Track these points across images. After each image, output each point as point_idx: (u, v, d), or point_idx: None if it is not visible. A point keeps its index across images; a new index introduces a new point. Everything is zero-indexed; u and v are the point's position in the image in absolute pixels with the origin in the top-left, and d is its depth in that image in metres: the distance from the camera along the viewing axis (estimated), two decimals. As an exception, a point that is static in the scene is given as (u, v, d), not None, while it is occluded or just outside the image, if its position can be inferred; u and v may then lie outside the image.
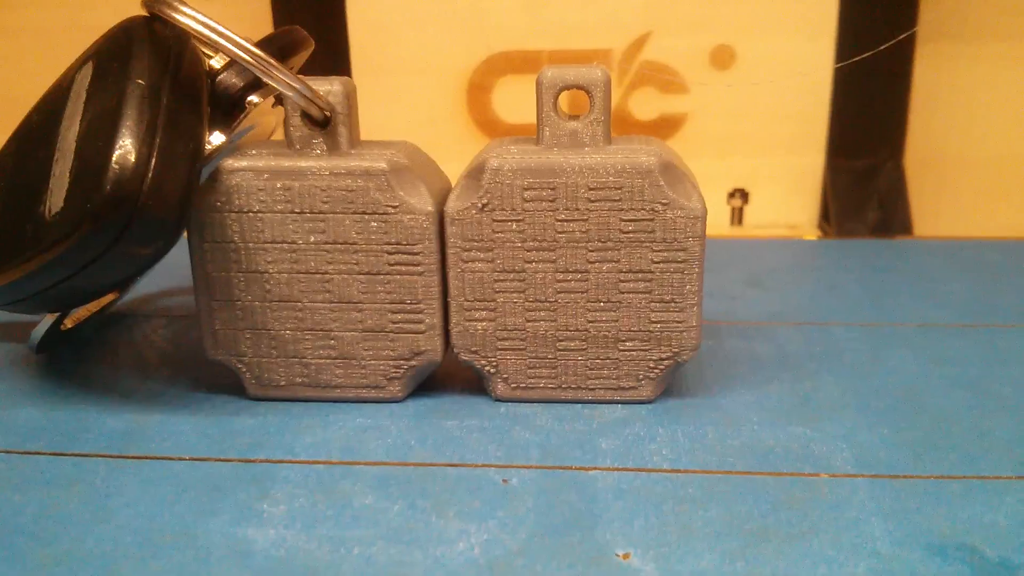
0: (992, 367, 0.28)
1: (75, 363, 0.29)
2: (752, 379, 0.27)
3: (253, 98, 0.26)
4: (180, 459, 0.24)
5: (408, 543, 0.20)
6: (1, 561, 0.20)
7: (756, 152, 0.47)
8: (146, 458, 0.24)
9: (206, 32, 0.23)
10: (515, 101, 0.48)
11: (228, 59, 0.26)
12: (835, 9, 0.45)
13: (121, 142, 0.22)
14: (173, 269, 0.32)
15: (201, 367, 0.29)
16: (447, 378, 0.28)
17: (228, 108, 0.26)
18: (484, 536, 0.20)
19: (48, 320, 0.28)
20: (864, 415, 0.25)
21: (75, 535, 0.21)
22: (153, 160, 0.22)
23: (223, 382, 0.27)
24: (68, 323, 0.30)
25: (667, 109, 0.47)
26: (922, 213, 0.47)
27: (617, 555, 0.20)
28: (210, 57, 0.26)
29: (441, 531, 0.21)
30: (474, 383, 0.27)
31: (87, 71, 0.25)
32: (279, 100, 0.26)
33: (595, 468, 0.23)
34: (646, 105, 0.47)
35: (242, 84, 0.26)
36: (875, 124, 0.47)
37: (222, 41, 0.23)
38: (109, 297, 0.32)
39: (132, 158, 0.22)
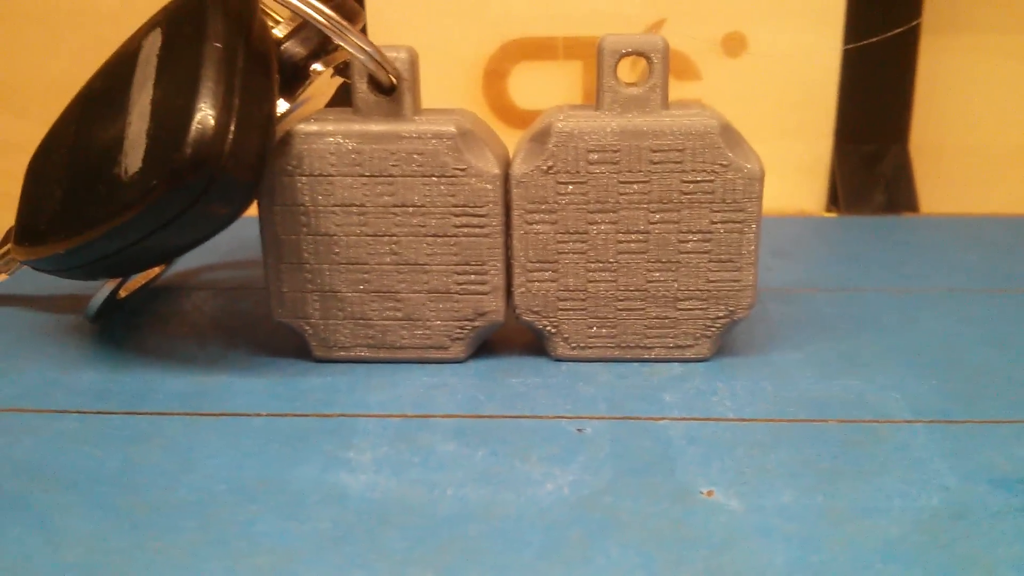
0: (1019, 326, 0.29)
1: (129, 331, 0.30)
2: (797, 339, 0.28)
3: (317, 66, 0.26)
4: (256, 415, 0.24)
5: (497, 484, 0.21)
6: (93, 509, 0.20)
7: (766, 137, 0.48)
8: (221, 415, 0.24)
9: (282, -3, 0.24)
10: (531, 87, 0.49)
11: (291, 28, 0.26)
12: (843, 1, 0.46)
13: (201, 103, 0.23)
14: (213, 245, 0.33)
15: (259, 333, 0.29)
16: (504, 340, 0.28)
17: (290, 77, 0.26)
18: (570, 477, 0.21)
19: (107, 288, 0.29)
20: (909, 369, 0.26)
21: (164, 484, 0.21)
22: (233, 122, 0.23)
23: (284, 346, 0.28)
24: (122, 293, 0.30)
25: (679, 95, 0.48)
26: (927, 195, 0.48)
27: (701, 492, 0.21)
28: (274, 26, 0.26)
29: (527, 474, 0.21)
30: (531, 344, 0.28)
31: (156, 37, 0.25)
32: (338, 70, 0.27)
33: (664, 418, 0.24)
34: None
35: (305, 53, 0.26)
36: (881, 110, 0.48)
37: (299, 3, 0.24)
38: (156, 269, 0.33)
39: (212, 119, 0.23)
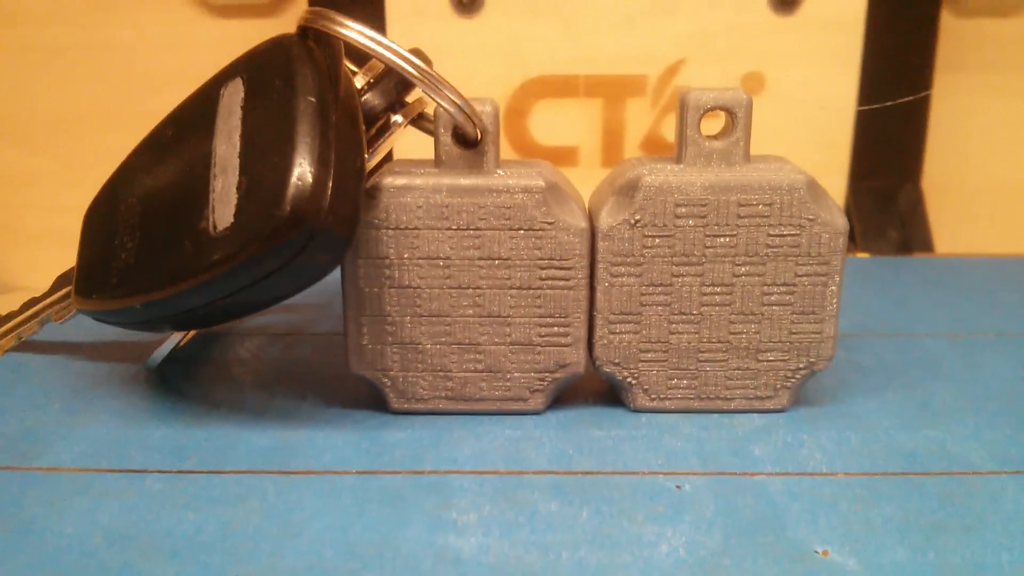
0: (1077, 373, 0.30)
1: (191, 382, 0.29)
2: (867, 387, 0.29)
3: (397, 118, 0.26)
4: (347, 472, 0.24)
5: (612, 547, 0.21)
6: (202, 577, 0.20)
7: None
8: (311, 473, 0.24)
9: (373, 46, 0.24)
10: (552, 125, 0.49)
11: (369, 78, 0.26)
12: (860, 41, 0.47)
13: (299, 159, 0.22)
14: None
15: (327, 383, 0.29)
16: (577, 390, 0.28)
17: (368, 127, 0.26)
18: (683, 539, 0.21)
19: (174, 339, 0.28)
20: (983, 416, 0.27)
21: (270, 550, 0.21)
22: (330, 177, 0.23)
23: (356, 397, 0.28)
24: (182, 342, 0.30)
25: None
26: (940, 233, 0.49)
27: (817, 552, 0.21)
28: (352, 76, 0.26)
29: (638, 535, 0.21)
30: (604, 394, 0.28)
31: (236, 87, 0.25)
32: (414, 121, 0.27)
33: (759, 473, 0.24)
34: (679, 129, 0.49)
35: (384, 104, 0.26)
36: (895, 148, 0.49)
37: (389, 55, 0.24)
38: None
39: (311, 175, 0.22)
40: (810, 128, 0.49)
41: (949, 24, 0.49)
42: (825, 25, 0.47)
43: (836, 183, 0.50)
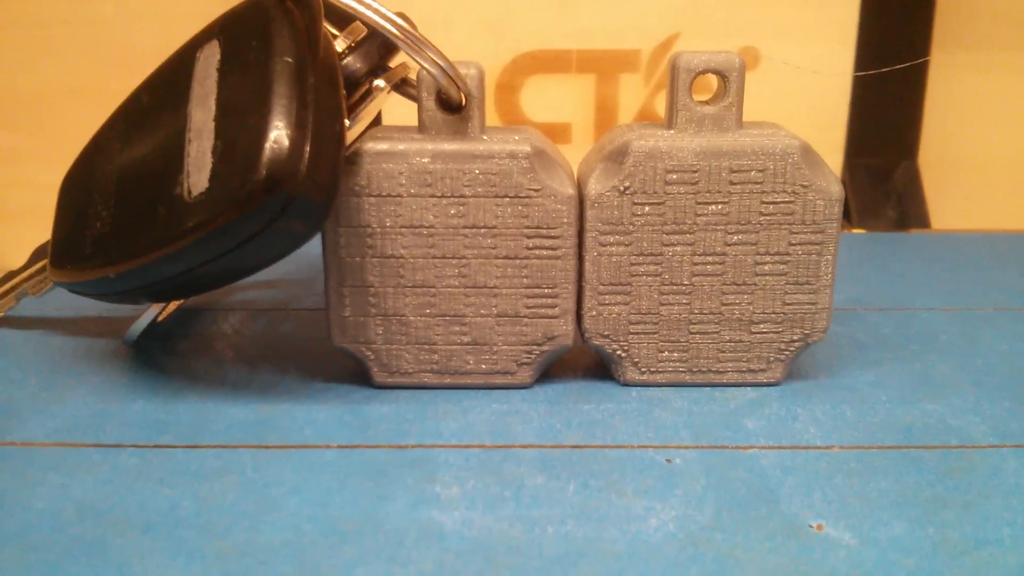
0: (1077, 347, 0.29)
1: (171, 356, 0.28)
2: (864, 360, 0.28)
3: (379, 83, 0.25)
4: (328, 447, 0.23)
5: (599, 520, 0.20)
6: (177, 555, 0.19)
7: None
8: (291, 447, 0.23)
9: (355, 5, 0.23)
10: (543, 100, 0.48)
11: (350, 42, 0.25)
12: (856, 17, 0.47)
13: (275, 121, 0.22)
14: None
15: (309, 357, 0.28)
16: (566, 363, 0.27)
17: (348, 93, 0.25)
18: (672, 512, 0.20)
19: (151, 312, 0.27)
20: (981, 390, 0.26)
21: (248, 525, 0.20)
22: (308, 141, 0.22)
23: (339, 371, 0.27)
24: (160, 317, 0.29)
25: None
26: (936, 211, 0.49)
27: (811, 526, 0.20)
28: (333, 39, 0.25)
29: (627, 509, 0.21)
30: (594, 368, 0.27)
31: (212, 50, 0.24)
32: (397, 87, 0.26)
33: (752, 447, 0.23)
34: (673, 105, 0.48)
35: (365, 68, 0.25)
36: (891, 126, 0.48)
37: (371, 15, 0.23)
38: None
39: (287, 138, 0.21)
40: (806, 104, 0.48)
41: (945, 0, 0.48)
42: (821, -1, 0.47)
43: (832, 160, 0.49)
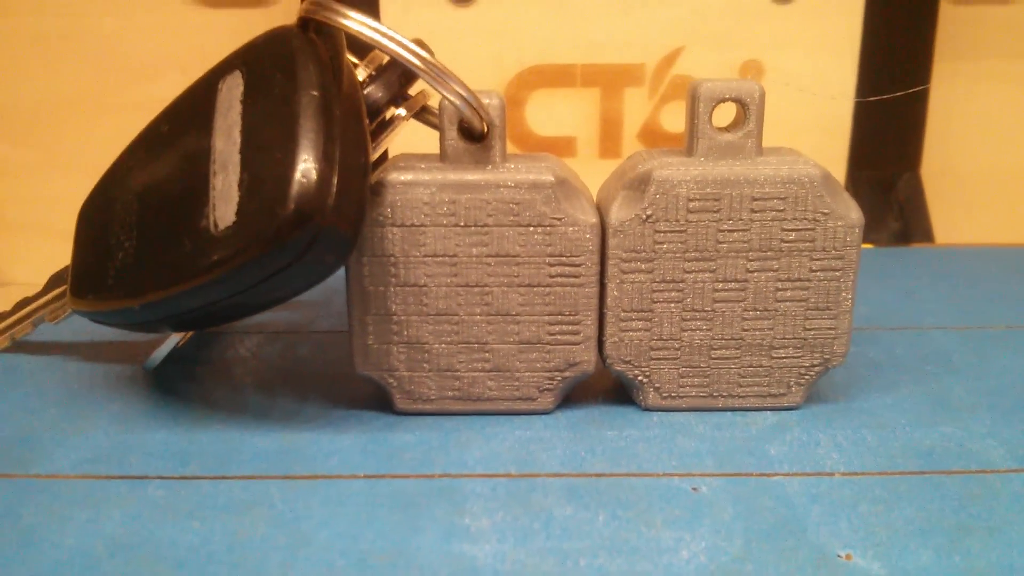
0: (1088, 366, 0.29)
1: (191, 382, 0.28)
2: (880, 382, 0.28)
3: (401, 111, 0.25)
4: (355, 477, 0.23)
5: (631, 553, 0.20)
6: (210, 589, 0.19)
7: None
8: (318, 477, 0.23)
9: (376, 37, 0.23)
10: (548, 114, 0.48)
11: (371, 71, 0.25)
12: (859, 29, 0.47)
13: (303, 155, 0.22)
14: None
15: (330, 383, 0.28)
16: (586, 388, 0.28)
17: (370, 121, 0.25)
18: (702, 544, 0.21)
19: (173, 340, 0.27)
20: (998, 413, 0.26)
21: (281, 560, 0.20)
22: (335, 174, 0.22)
23: (360, 397, 0.27)
24: (181, 342, 0.29)
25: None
26: (939, 223, 0.49)
27: (840, 556, 0.20)
28: (354, 69, 0.25)
29: (657, 540, 0.21)
30: (614, 392, 0.27)
31: (235, 81, 0.24)
32: (417, 115, 0.26)
33: (776, 474, 0.23)
34: (677, 117, 0.48)
35: (386, 97, 0.25)
36: (894, 137, 0.49)
37: (393, 46, 0.23)
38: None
39: (315, 172, 0.22)
40: (809, 117, 0.48)
41: (948, 11, 0.48)
42: (824, 12, 0.47)
43: (835, 172, 0.49)
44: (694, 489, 0.23)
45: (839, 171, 0.49)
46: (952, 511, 0.22)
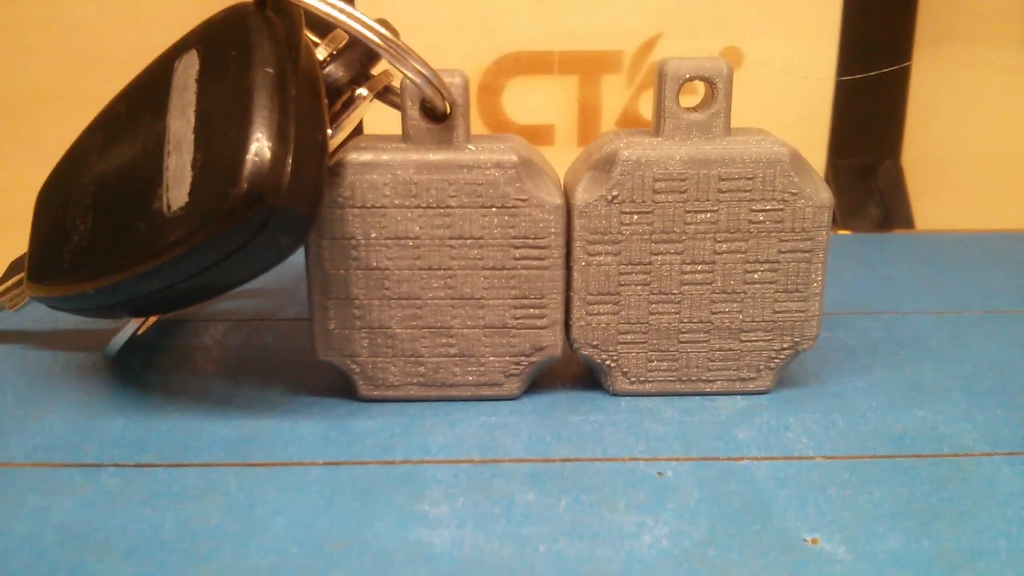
0: (1065, 349, 0.29)
1: (152, 370, 0.28)
2: (853, 366, 0.28)
3: (362, 91, 0.25)
4: (313, 464, 0.23)
5: (592, 538, 0.20)
6: (160, 578, 0.19)
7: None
8: (276, 464, 0.23)
9: (335, 14, 0.23)
10: (525, 102, 0.48)
11: (332, 50, 0.25)
12: (838, 14, 0.46)
13: (256, 133, 0.21)
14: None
15: (293, 370, 0.28)
16: (554, 374, 0.27)
17: (330, 102, 0.25)
18: (665, 528, 0.20)
19: (132, 326, 0.27)
20: (972, 396, 0.26)
21: (233, 549, 0.20)
22: (290, 153, 0.21)
23: (324, 385, 0.27)
24: (141, 330, 0.28)
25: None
26: (920, 210, 0.49)
27: (805, 540, 0.20)
28: (314, 48, 0.25)
29: (619, 525, 0.20)
30: (581, 378, 0.27)
31: (191, 60, 0.24)
32: (380, 95, 0.26)
33: (743, 458, 0.23)
34: (656, 105, 0.47)
35: (347, 77, 0.25)
36: (874, 124, 0.48)
37: (353, 24, 0.23)
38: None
39: (269, 151, 0.21)
40: (789, 104, 0.48)
41: (928, -4, 0.48)
42: (804, -1, 0.46)
43: (815, 159, 0.49)
44: (659, 474, 0.22)
45: (819, 159, 0.49)
46: (923, 495, 0.21)
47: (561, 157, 0.26)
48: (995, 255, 0.39)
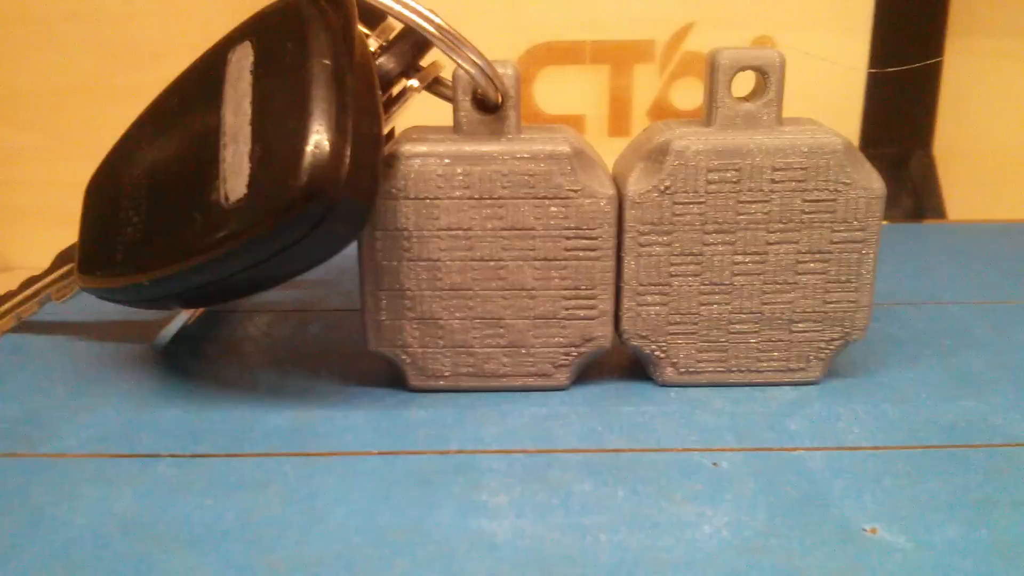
0: (1110, 340, 0.29)
1: (201, 361, 0.28)
2: (900, 357, 0.28)
3: (413, 82, 0.25)
4: (369, 453, 0.23)
5: (652, 528, 0.20)
6: (225, 571, 0.19)
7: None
8: (333, 454, 0.23)
9: (390, 3, 0.23)
10: (557, 92, 0.48)
11: (383, 41, 0.25)
12: (871, 5, 0.46)
13: (316, 126, 0.21)
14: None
15: (342, 361, 0.28)
16: (601, 364, 0.27)
17: (383, 92, 0.25)
18: (724, 518, 0.20)
19: (182, 317, 0.27)
20: (1020, 387, 0.26)
21: (296, 538, 0.20)
22: (348, 145, 0.21)
23: (373, 375, 0.27)
24: (191, 320, 0.28)
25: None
26: (952, 199, 0.48)
27: (865, 530, 0.20)
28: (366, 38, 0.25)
29: (678, 515, 0.20)
30: (630, 368, 0.27)
31: (245, 51, 0.24)
32: (430, 87, 0.26)
33: (797, 448, 0.23)
34: (687, 94, 0.47)
35: (398, 69, 0.25)
36: (906, 115, 0.48)
37: (408, 14, 0.23)
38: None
39: (328, 143, 0.21)
40: (820, 94, 0.48)
41: (960, -12, 0.47)
42: (835, -12, 0.46)
43: (847, 149, 0.49)
44: (714, 464, 0.22)
45: (851, 149, 0.48)
46: (977, 485, 0.21)
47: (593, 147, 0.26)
48: (1032, 245, 0.39)
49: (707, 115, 0.25)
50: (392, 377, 0.26)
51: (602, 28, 0.47)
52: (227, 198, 0.22)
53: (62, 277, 0.28)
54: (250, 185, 0.22)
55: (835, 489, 0.21)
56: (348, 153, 0.21)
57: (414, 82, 0.25)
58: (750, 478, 0.22)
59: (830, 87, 0.47)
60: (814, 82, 0.47)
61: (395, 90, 0.25)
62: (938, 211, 0.48)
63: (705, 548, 0.19)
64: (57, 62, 0.49)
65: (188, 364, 0.28)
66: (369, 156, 0.22)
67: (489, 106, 0.24)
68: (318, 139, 0.21)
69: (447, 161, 0.23)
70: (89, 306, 0.30)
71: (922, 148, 0.49)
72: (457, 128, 0.24)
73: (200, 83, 0.25)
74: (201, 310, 0.30)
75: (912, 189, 0.48)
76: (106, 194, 0.26)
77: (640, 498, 0.21)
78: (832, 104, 0.48)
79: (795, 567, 0.19)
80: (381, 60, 0.25)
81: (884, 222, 0.35)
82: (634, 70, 0.47)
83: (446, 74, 0.25)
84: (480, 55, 0.23)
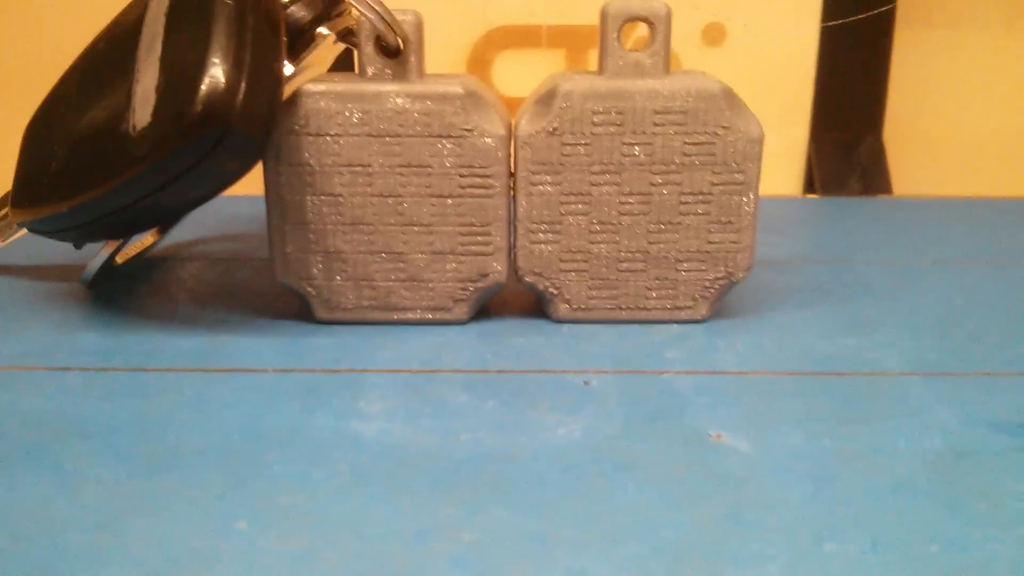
0: (1009, 293, 0.30)
1: (128, 297, 0.30)
2: (794, 303, 0.29)
3: (322, 30, 0.27)
4: (265, 371, 0.24)
5: (511, 430, 0.21)
6: (108, 456, 0.20)
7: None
8: (230, 370, 0.24)
9: (292, -44, 0.24)
10: (515, 75, 0.49)
11: (296, -8, 0.26)
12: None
13: (213, 59, 0.23)
14: (203, 218, 0.33)
15: (260, 298, 0.29)
16: (503, 303, 0.29)
17: (294, 41, 0.27)
18: (581, 424, 0.21)
19: (104, 253, 0.29)
20: (905, 329, 0.27)
21: (179, 433, 0.21)
22: (243, 78, 0.23)
23: (286, 310, 0.28)
24: (119, 259, 0.30)
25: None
26: (900, 183, 0.49)
27: (711, 435, 0.21)
28: (280, -11, 0.26)
29: (539, 421, 0.22)
30: (530, 307, 0.28)
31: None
32: (340, 36, 0.27)
33: (668, 371, 0.24)
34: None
35: (309, 17, 0.27)
36: (856, 102, 0.49)
37: (308, -35, 0.24)
38: (150, 238, 0.33)
39: (223, 74, 0.23)
40: (772, 81, 0.49)
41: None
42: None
43: (798, 135, 0.50)
44: (585, 383, 0.24)
45: (802, 134, 0.50)
46: (833, 405, 0.22)
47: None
48: (960, 217, 0.40)
49: (600, 65, 0.26)
50: (304, 313, 0.28)
51: (559, 13, 0.48)
52: (135, 127, 0.24)
53: (1, 219, 0.30)
54: (154, 114, 0.23)
55: (694, 405, 0.22)
56: (243, 85, 0.23)
57: (323, 29, 0.26)
58: (616, 394, 0.23)
59: (782, 74, 0.49)
60: (766, 69, 0.49)
61: (308, 38, 0.27)
62: (886, 191, 0.49)
63: (555, 446, 0.21)
64: (42, 39, 0.51)
65: (117, 299, 0.30)
66: (266, 91, 0.24)
67: (390, 51, 0.26)
68: (214, 70, 0.23)
69: (345, 100, 0.25)
70: (30, 249, 0.32)
71: (872, 134, 0.50)
72: (362, 72, 0.26)
73: (123, 28, 0.26)
74: (135, 251, 0.31)
75: (861, 172, 0.49)
76: (39, 135, 0.28)
77: (508, 408, 0.22)
78: (784, 92, 0.49)
79: (636, 462, 0.20)
80: (293, 8, 0.26)
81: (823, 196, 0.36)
82: (589, 55, 0.49)
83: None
84: (378, 2, 0.25)
